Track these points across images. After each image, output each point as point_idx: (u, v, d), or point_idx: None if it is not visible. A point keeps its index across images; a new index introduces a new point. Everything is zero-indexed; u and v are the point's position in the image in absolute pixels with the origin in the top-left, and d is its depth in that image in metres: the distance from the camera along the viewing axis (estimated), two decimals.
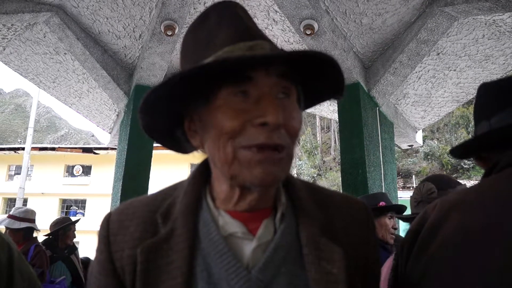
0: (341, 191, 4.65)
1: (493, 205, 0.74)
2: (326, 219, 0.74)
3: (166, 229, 0.70)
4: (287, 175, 0.75)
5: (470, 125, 28.41)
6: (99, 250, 0.74)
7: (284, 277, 0.67)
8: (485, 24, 4.01)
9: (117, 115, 6.12)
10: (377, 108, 5.07)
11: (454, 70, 4.91)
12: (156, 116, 0.73)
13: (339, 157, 4.77)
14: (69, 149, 26.13)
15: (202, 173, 0.78)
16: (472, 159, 1.04)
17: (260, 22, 4.31)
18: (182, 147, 0.80)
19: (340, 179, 4.70)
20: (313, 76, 0.71)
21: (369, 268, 0.75)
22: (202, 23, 0.73)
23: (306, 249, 0.68)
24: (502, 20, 3.87)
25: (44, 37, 4.35)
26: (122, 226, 0.74)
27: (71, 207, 27.12)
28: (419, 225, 0.85)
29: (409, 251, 0.82)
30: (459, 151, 0.99)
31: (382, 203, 2.90)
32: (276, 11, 4.18)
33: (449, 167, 29.81)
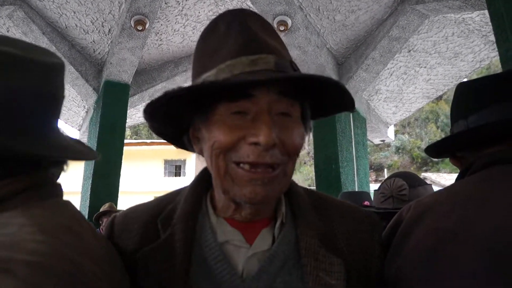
0: (315, 186, 4.70)
1: (465, 208, 0.73)
2: (327, 228, 0.74)
3: (165, 234, 0.71)
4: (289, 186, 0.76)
5: (439, 120, 29.21)
6: None
7: (279, 287, 0.66)
8: (455, 22, 4.10)
9: (86, 112, 5.95)
10: None
11: (425, 67, 5.00)
12: (163, 123, 0.73)
13: (313, 151, 4.80)
14: None
15: (203, 179, 0.79)
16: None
17: None
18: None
19: (314, 173, 4.73)
20: (319, 92, 0.70)
21: (372, 280, 0.73)
22: (211, 32, 0.71)
23: (304, 260, 0.68)
24: (471, 18, 3.96)
25: (8, 31, 4.18)
26: (125, 230, 0.76)
27: None
28: (394, 227, 0.84)
29: (384, 253, 0.81)
30: (434, 150, 0.98)
31: (366, 202, 2.97)
32: (249, 7, 4.14)
33: (419, 160, 30.63)
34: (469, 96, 0.92)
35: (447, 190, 0.84)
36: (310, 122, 0.74)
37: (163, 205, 0.78)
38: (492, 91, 0.87)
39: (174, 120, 0.73)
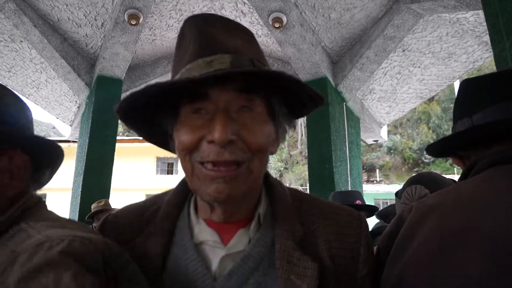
0: (307, 185, 4.69)
1: (470, 209, 0.71)
2: (307, 231, 0.73)
3: (145, 233, 0.75)
4: (272, 183, 0.79)
5: (431, 121, 29.36)
6: None
7: None
8: (449, 22, 4.10)
9: (78, 107, 5.89)
10: (344, 103, 5.11)
11: (419, 67, 5.01)
12: (145, 132, 0.78)
13: (306, 151, 4.79)
14: None
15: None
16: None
17: (228, 14, 4.23)
18: None
19: (307, 173, 4.72)
20: (285, 88, 0.69)
21: (356, 283, 0.72)
22: (181, 40, 0.74)
23: (277, 262, 0.68)
24: (466, 18, 3.97)
25: None
26: (114, 228, 0.80)
27: None
28: (395, 228, 0.81)
29: (385, 255, 0.79)
30: (436, 149, 0.96)
31: (358, 202, 2.95)
32: (244, 3, 4.11)
33: (411, 161, 30.82)
34: (474, 93, 0.89)
35: (451, 191, 0.82)
36: (284, 119, 0.75)
37: (149, 205, 0.81)
38: (498, 88, 0.84)
39: (156, 128, 0.76)
